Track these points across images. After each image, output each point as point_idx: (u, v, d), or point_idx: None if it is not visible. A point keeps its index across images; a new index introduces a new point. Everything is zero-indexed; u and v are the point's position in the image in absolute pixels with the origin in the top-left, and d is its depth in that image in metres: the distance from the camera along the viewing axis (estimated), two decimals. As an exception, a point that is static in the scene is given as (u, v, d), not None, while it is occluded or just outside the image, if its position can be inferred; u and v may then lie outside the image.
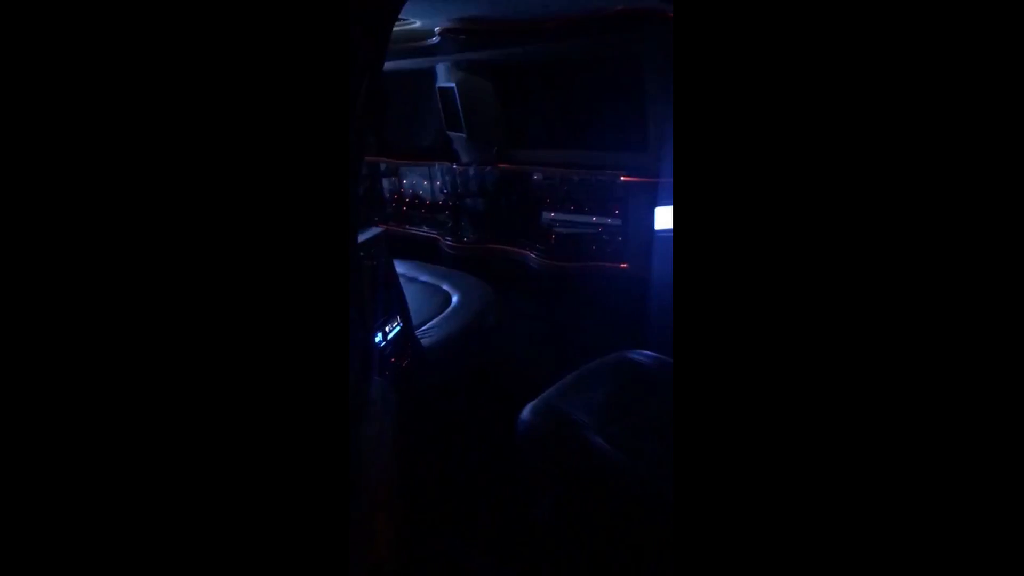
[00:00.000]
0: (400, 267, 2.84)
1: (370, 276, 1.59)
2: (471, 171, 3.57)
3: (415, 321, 2.16)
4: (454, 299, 2.40)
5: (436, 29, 2.59)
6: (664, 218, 2.73)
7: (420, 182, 4.35)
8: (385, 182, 4.59)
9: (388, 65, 4.03)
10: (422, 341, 2.01)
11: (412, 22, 2.71)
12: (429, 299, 2.42)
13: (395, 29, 2.84)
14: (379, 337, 1.58)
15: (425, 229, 4.01)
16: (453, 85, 3.27)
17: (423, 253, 3.90)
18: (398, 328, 1.73)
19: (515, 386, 1.83)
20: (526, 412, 1.41)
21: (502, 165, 3.43)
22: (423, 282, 2.64)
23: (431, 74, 3.61)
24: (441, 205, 4.12)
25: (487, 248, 3.53)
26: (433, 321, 2.17)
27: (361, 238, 1.57)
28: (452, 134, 3.62)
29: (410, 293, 2.51)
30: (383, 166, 4.51)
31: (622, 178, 2.89)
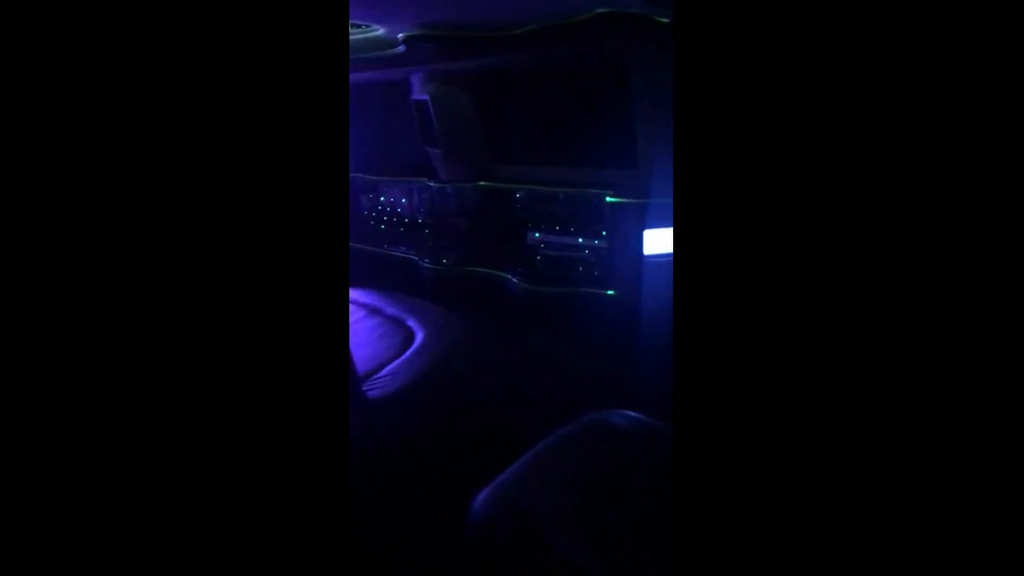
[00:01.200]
0: (366, 297, 2.59)
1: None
2: (449, 189, 3.33)
3: (370, 365, 1.90)
4: (418, 338, 2.14)
5: (400, 36, 2.34)
6: (653, 242, 2.47)
7: (399, 199, 4.11)
8: (363, 198, 4.36)
9: (363, 76, 3.81)
10: (378, 388, 1.75)
11: (374, 29, 2.48)
12: (390, 337, 2.16)
13: (356, 38, 2.60)
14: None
15: (403, 249, 3.76)
16: (427, 98, 3.03)
17: (400, 276, 3.65)
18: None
19: (474, 452, 1.57)
20: (478, 502, 1.15)
21: (482, 183, 3.18)
22: (387, 315, 2.38)
23: (407, 85, 3.38)
24: (420, 224, 3.88)
25: (466, 271, 3.28)
26: (390, 366, 1.91)
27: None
28: (429, 150, 3.37)
29: (368, 329, 2.25)
30: (360, 181, 4.28)
31: (608, 198, 2.64)
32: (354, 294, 2.65)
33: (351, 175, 4.28)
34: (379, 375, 1.83)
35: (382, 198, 4.26)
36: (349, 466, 0.75)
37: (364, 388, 1.72)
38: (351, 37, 2.66)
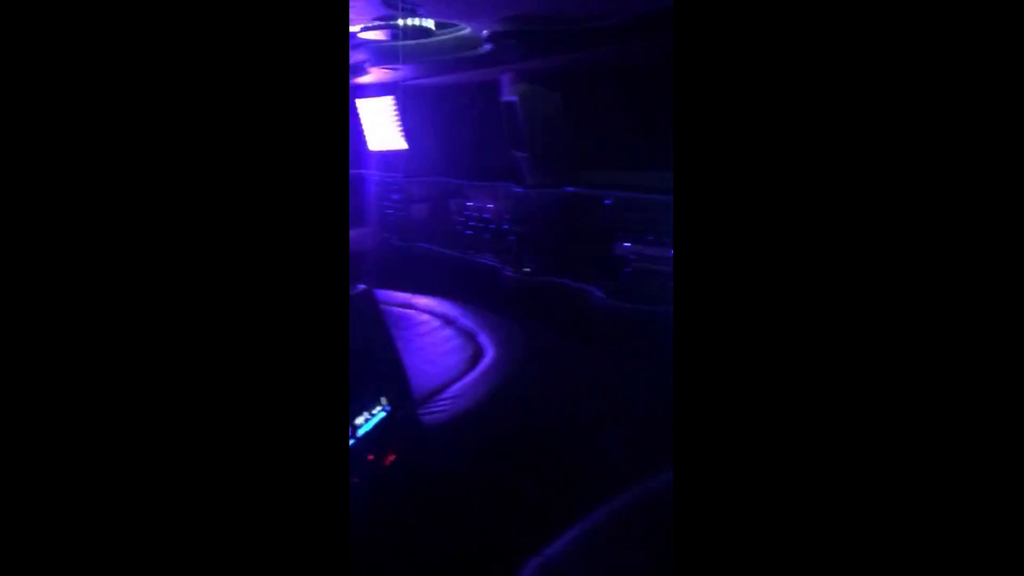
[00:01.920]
0: (441, 306, 2.49)
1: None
2: (534, 194, 3.16)
3: (432, 384, 1.78)
4: (487, 355, 1.99)
5: (484, 34, 2.21)
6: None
7: (485, 204, 4.02)
8: (450, 202, 4.32)
9: (452, 78, 3.76)
10: (436, 413, 1.61)
11: (460, 28, 2.37)
12: (458, 353, 2.04)
13: (443, 38, 2.52)
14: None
15: (485, 256, 3.64)
16: (515, 99, 2.89)
17: (480, 284, 3.55)
18: (381, 415, 1.34)
19: (528, 502, 1.38)
20: (526, 574, 0.96)
21: (569, 188, 2.99)
22: (459, 328, 2.26)
23: (497, 87, 3.27)
24: (505, 231, 3.76)
25: (548, 282, 3.10)
26: (453, 388, 1.77)
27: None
28: (516, 153, 3.23)
29: (437, 343, 2.14)
30: (447, 185, 4.24)
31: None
32: (429, 303, 2.56)
33: (439, 178, 4.26)
34: (440, 397, 1.70)
35: (468, 203, 4.19)
36: (348, 468, 0.77)
37: (422, 412, 1.59)
38: (440, 38, 2.58)
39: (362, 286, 1.32)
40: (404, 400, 1.47)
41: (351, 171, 4.78)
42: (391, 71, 3.45)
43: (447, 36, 2.54)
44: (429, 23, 2.32)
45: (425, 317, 2.40)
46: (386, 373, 1.41)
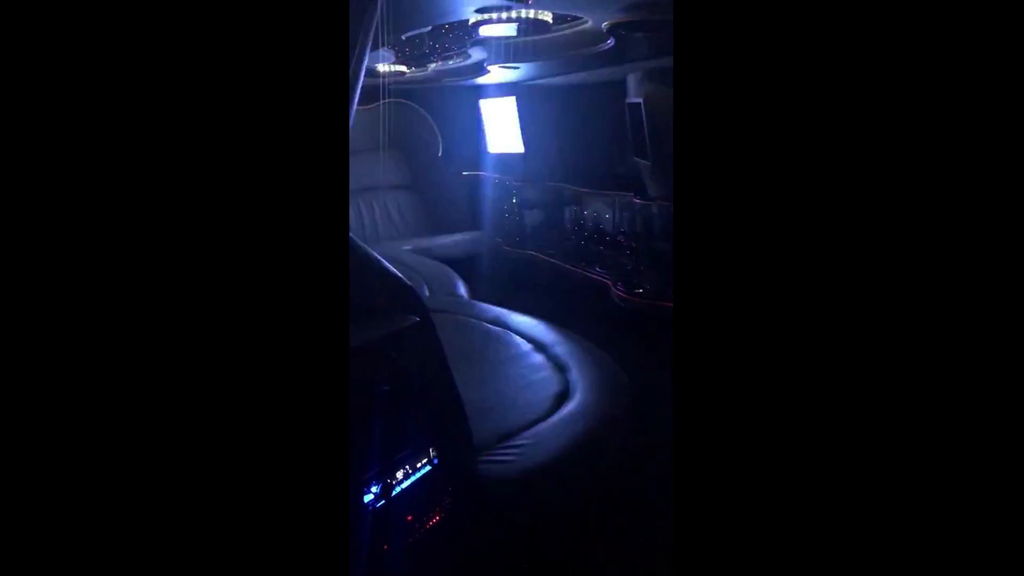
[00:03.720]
0: (535, 327, 2.26)
1: (382, 397, 1.04)
2: (655, 207, 2.83)
3: (506, 424, 1.55)
4: (576, 396, 1.73)
5: (604, 26, 1.95)
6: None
7: (602, 215, 3.73)
8: (567, 210, 4.08)
9: (575, 77, 3.52)
10: (498, 463, 1.39)
11: (581, 21, 2.13)
12: (542, 387, 1.79)
13: (563, 33, 2.30)
14: (371, 494, 1.01)
15: (597, 270, 3.36)
16: (640, 100, 2.59)
17: (587, 301, 3.27)
18: (426, 469, 1.14)
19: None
20: None
21: (696, 203, 2.63)
22: (551, 357, 2.01)
23: (623, 87, 2.98)
24: (621, 244, 3.45)
25: (663, 307, 2.75)
26: (532, 430, 1.54)
27: (372, 337, 1.03)
28: (639, 161, 2.92)
29: (521, 373, 1.91)
30: (565, 192, 4.01)
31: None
32: (523, 322, 2.34)
33: (556, 183, 4.05)
34: (513, 441, 1.47)
35: (586, 212, 3.93)
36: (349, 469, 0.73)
37: (488, 457, 1.38)
38: (560, 33, 2.37)
39: (416, 318, 1.13)
40: (460, 445, 1.26)
41: (470, 173, 4.74)
42: (510, 70, 3.29)
43: (568, 31, 2.31)
44: (546, 15, 2.11)
45: (516, 339, 2.19)
46: (441, 412, 1.21)
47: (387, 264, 1.22)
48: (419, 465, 1.13)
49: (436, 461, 1.16)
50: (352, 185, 4.68)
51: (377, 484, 1.03)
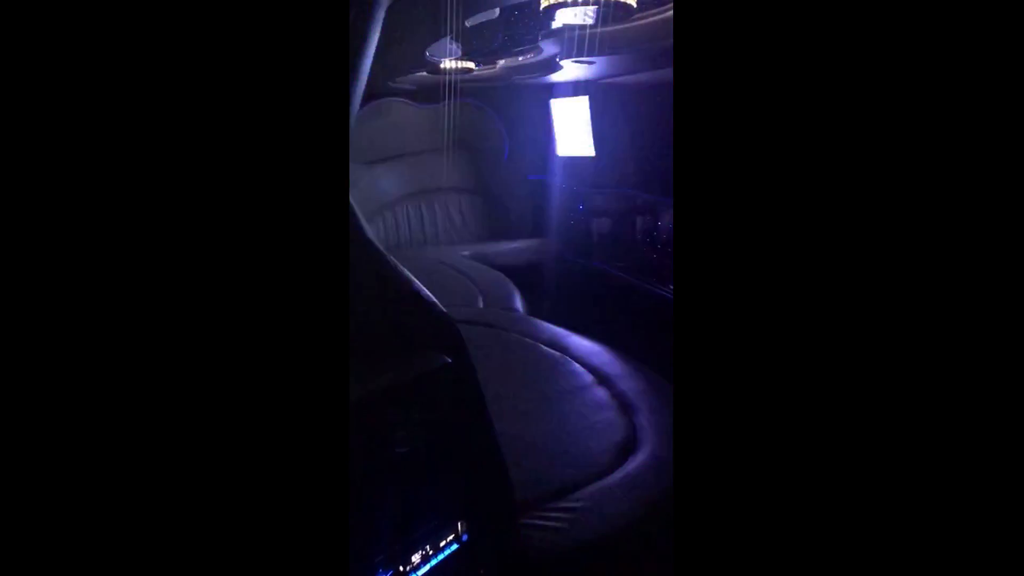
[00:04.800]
0: (600, 355, 1.98)
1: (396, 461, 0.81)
2: (743, 222, 2.49)
3: (558, 477, 1.30)
4: (644, 448, 1.44)
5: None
6: None
7: (679, 226, 3.40)
8: (638, 220, 3.77)
9: (654, 75, 3.23)
10: (545, 528, 1.14)
11: (664, 9, 1.85)
12: (605, 432, 1.52)
13: (645, 21, 2.02)
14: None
15: (670, 288, 3.04)
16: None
17: (658, 323, 2.95)
18: (452, 548, 0.89)
19: None
20: None
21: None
22: (616, 394, 1.74)
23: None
24: (699, 260, 3.11)
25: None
26: (593, 487, 1.27)
27: (392, 380, 0.80)
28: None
29: (581, 412, 1.64)
30: (638, 200, 3.69)
31: None
32: (585, 347, 2.07)
33: (628, 191, 3.75)
34: (564, 503, 1.21)
35: (659, 223, 3.61)
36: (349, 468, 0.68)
37: (531, 520, 1.12)
38: (644, 21, 2.09)
39: (447, 359, 0.90)
40: (498, 516, 1.01)
41: (536, 177, 4.52)
42: (585, 64, 3.03)
43: (653, 18, 2.03)
44: (629, -1, 1.84)
45: (576, 367, 1.92)
46: (475, 477, 0.97)
47: (421, 287, 0.99)
48: (443, 544, 0.89)
49: (465, 538, 0.92)
50: (414, 187, 4.58)
51: (386, 573, 0.80)
